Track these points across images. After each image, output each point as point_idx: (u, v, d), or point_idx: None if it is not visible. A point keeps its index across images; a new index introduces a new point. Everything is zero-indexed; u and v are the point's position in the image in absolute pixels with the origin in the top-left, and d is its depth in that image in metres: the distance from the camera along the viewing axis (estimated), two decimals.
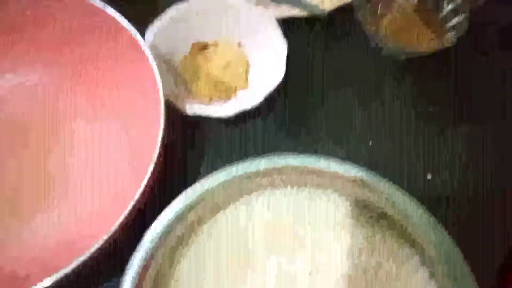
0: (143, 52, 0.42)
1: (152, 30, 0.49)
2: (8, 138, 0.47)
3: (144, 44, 0.42)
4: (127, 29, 0.42)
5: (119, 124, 0.47)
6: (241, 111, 0.46)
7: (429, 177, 0.46)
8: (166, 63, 0.50)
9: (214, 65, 0.51)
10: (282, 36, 0.49)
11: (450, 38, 0.46)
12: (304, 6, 0.52)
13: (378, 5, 0.50)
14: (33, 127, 0.48)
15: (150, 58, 0.42)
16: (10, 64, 0.49)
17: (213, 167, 0.40)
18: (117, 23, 0.43)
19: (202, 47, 0.52)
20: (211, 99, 0.50)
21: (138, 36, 0.42)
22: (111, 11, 0.43)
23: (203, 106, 0.47)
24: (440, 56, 0.47)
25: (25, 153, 0.46)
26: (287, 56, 0.48)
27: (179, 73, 0.50)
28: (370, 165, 0.38)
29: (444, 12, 0.49)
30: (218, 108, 0.47)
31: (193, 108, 0.46)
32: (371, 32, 0.48)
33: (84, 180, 0.45)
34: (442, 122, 0.48)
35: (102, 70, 0.47)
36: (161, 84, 0.41)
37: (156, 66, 0.41)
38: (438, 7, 0.50)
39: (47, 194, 0.44)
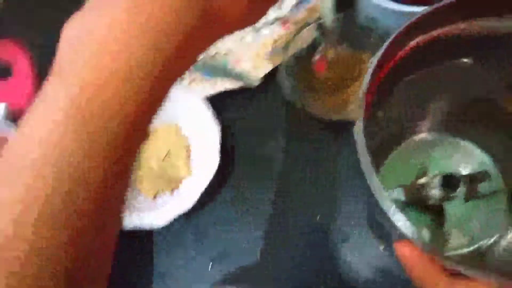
0: None
1: None
2: None
3: None
4: None
5: None
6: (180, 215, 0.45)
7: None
8: None
9: (154, 157, 0.50)
10: (214, 121, 0.47)
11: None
12: (236, 77, 0.50)
13: (311, 65, 0.48)
14: None
15: None
16: None
17: None
18: None
19: None
20: (156, 195, 0.49)
21: None
22: None
23: (147, 208, 0.46)
24: None
25: None
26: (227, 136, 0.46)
27: None
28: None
29: None
30: (156, 218, 0.45)
31: (131, 221, 0.45)
32: (298, 101, 0.46)
33: None
34: None
35: None
36: None
37: None
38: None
39: None
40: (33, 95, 0.47)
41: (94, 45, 0.19)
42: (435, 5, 0.29)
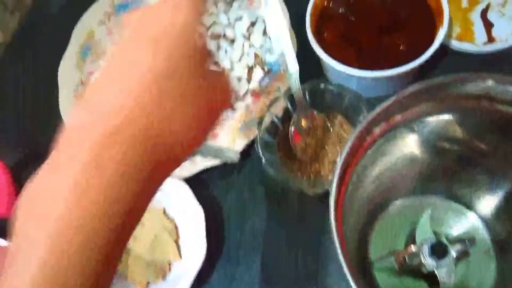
0: None
1: None
2: None
3: None
4: None
5: None
6: None
7: None
8: None
9: (142, 245, 0.49)
10: (197, 203, 0.47)
11: None
12: (215, 154, 0.50)
13: (287, 135, 0.48)
14: None
15: None
16: None
17: None
18: None
19: None
20: (147, 283, 0.48)
21: None
22: None
23: None
24: None
25: None
26: (216, 210, 0.46)
27: None
28: None
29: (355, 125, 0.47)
30: None
31: None
32: (278, 175, 0.45)
33: None
34: None
35: None
36: None
37: None
38: (350, 120, 0.48)
39: None
40: (10, 205, 0.47)
41: (51, 221, 0.20)
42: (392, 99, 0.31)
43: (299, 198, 0.48)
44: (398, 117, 0.31)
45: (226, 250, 0.48)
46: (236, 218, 0.50)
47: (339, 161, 0.28)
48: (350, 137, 0.29)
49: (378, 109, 0.31)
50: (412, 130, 0.33)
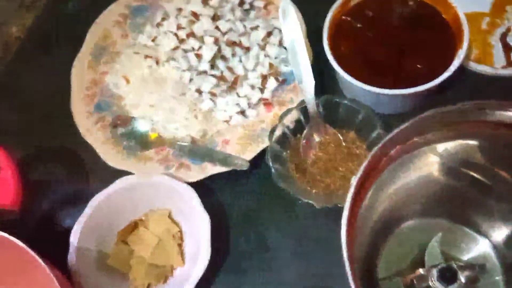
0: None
1: (76, 228, 0.47)
2: None
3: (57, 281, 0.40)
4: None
5: None
6: None
7: None
8: (100, 257, 0.48)
9: (145, 248, 0.48)
10: (203, 210, 0.47)
11: None
12: (225, 162, 0.50)
13: (298, 147, 0.48)
14: None
15: None
16: None
17: None
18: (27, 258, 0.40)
19: (132, 229, 0.49)
20: (148, 286, 0.47)
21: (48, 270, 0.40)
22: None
23: None
24: None
25: None
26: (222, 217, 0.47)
27: (112, 266, 0.47)
28: None
29: (369, 142, 0.46)
30: None
31: None
32: (286, 188, 0.45)
33: None
34: None
35: None
36: None
37: None
38: (363, 137, 0.47)
39: None
40: (18, 195, 0.47)
41: None
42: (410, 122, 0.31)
43: (307, 211, 0.48)
44: (415, 140, 0.31)
45: (230, 258, 0.48)
46: (242, 227, 0.49)
47: (354, 181, 0.28)
48: (367, 157, 0.29)
49: (395, 131, 0.31)
50: (430, 153, 0.32)
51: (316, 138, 0.48)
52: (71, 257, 0.46)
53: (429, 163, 0.34)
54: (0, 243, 0.42)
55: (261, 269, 0.47)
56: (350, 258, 0.27)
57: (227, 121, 0.53)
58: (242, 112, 0.53)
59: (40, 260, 0.40)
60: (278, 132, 0.47)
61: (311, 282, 0.45)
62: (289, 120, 0.48)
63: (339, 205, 0.42)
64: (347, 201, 0.28)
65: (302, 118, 0.48)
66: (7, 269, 0.44)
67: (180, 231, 0.49)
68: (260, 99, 0.54)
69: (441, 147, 0.32)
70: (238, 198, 0.51)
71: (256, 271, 0.47)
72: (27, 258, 0.41)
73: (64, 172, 0.56)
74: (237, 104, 0.53)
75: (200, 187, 0.49)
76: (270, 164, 0.45)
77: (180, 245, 0.48)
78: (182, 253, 0.48)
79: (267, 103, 0.53)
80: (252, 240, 0.49)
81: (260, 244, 0.48)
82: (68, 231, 0.47)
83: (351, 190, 0.28)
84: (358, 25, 0.50)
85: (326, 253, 0.46)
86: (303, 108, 0.48)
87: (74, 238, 0.46)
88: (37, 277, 0.42)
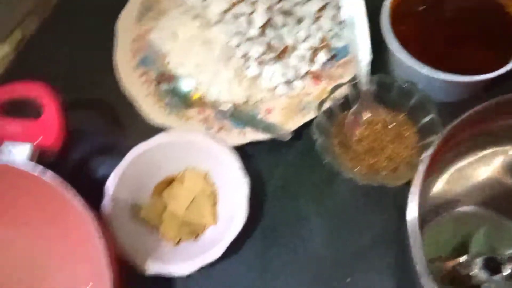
0: (90, 229, 0.40)
1: (113, 177, 0.47)
2: None
3: (93, 222, 0.41)
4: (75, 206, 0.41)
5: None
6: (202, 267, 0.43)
7: None
8: (133, 209, 0.48)
9: (179, 203, 0.49)
10: (243, 173, 0.46)
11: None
12: (267, 129, 0.50)
13: (344, 123, 0.47)
14: None
15: (97, 234, 0.40)
16: None
17: None
18: (65, 198, 0.41)
19: (167, 185, 0.49)
20: (179, 241, 0.47)
21: (85, 211, 0.41)
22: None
23: (169, 253, 0.46)
24: None
25: None
26: (258, 184, 0.46)
27: (144, 218, 0.47)
28: None
29: (420, 126, 0.46)
30: (178, 267, 0.44)
31: (154, 267, 0.44)
32: (331, 161, 0.45)
33: None
34: None
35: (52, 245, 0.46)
36: (107, 260, 0.40)
37: (101, 242, 0.40)
38: (413, 120, 0.47)
39: None
40: (61, 132, 0.47)
41: None
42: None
43: (347, 188, 0.47)
44: (483, 126, 0.30)
45: (262, 226, 0.48)
46: (277, 196, 0.49)
47: (425, 157, 0.27)
48: (434, 141, 0.28)
49: (466, 114, 0.30)
50: (498, 143, 0.32)
51: (365, 116, 0.47)
52: (106, 204, 0.46)
53: (494, 156, 0.33)
54: (36, 180, 0.42)
55: (291, 240, 0.47)
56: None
57: (271, 90, 0.53)
58: (288, 83, 0.53)
59: (78, 200, 0.41)
60: (326, 106, 0.46)
61: (342, 257, 0.45)
62: (339, 95, 0.47)
63: (387, 185, 0.41)
64: (418, 179, 0.27)
65: (352, 94, 0.47)
66: (41, 207, 0.45)
67: (215, 193, 0.49)
68: (308, 72, 0.53)
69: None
70: (276, 167, 0.50)
71: (287, 241, 0.47)
72: (64, 197, 0.41)
73: (102, 124, 0.56)
74: (284, 74, 0.52)
75: (239, 152, 0.48)
76: (315, 136, 0.45)
77: (214, 206, 0.48)
78: (215, 214, 0.48)
79: (315, 76, 0.53)
80: (286, 210, 0.48)
81: (294, 215, 0.48)
82: (101, 181, 0.47)
83: (422, 168, 0.27)
84: (421, 7, 0.49)
85: (360, 233, 0.46)
86: (354, 84, 0.47)
87: (109, 186, 0.46)
88: (70, 218, 0.42)
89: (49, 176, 0.41)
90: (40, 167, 0.42)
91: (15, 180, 0.43)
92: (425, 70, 0.45)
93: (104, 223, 0.44)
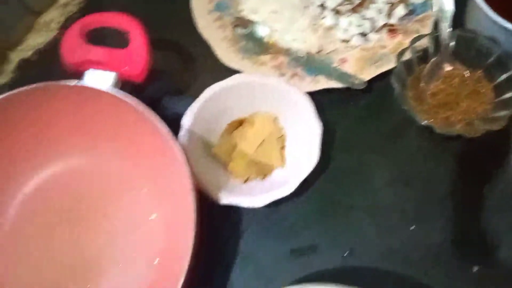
0: (175, 153, 0.42)
1: (189, 113, 0.49)
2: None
3: (176, 144, 0.43)
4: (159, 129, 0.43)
5: (159, 215, 0.47)
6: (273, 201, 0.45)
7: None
8: (204, 145, 0.50)
9: (249, 144, 0.50)
10: (317, 117, 0.48)
11: (504, 117, 0.42)
12: (340, 78, 0.50)
13: (420, 76, 0.48)
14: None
15: (182, 158, 0.42)
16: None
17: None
18: (151, 123, 0.43)
19: (238, 125, 0.51)
20: (247, 179, 0.49)
21: (169, 137, 0.43)
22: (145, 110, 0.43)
23: (238, 190, 0.48)
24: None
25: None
26: (326, 133, 0.47)
27: (216, 154, 0.49)
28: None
29: (497, 82, 0.46)
30: (249, 200, 0.46)
31: (227, 198, 0.46)
32: (409, 108, 0.45)
33: (117, 267, 0.46)
34: None
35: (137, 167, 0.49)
36: (191, 182, 0.41)
37: (187, 165, 0.42)
38: (490, 77, 0.47)
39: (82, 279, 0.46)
40: (147, 64, 0.48)
41: None
42: None
43: (418, 139, 0.48)
44: None
45: (327, 174, 0.49)
46: (344, 146, 0.50)
47: None
48: None
49: None
50: None
51: (442, 70, 0.47)
52: (183, 137, 0.48)
53: None
54: (125, 105, 0.44)
55: (356, 188, 0.48)
56: None
57: (346, 41, 0.53)
58: (364, 35, 0.53)
59: (165, 127, 0.42)
60: (406, 56, 0.47)
61: (407, 206, 0.46)
62: (419, 47, 0.47)
63: (466, 135, 0.42)
64: None
65: (431, 47, 0.47)
66: (127, 130, 0.47)
67: (284, 137, 0.51)
68: (385, 25, 0.53)
69: None
70: (345, 118, 0.51)
71: (352, 189, 0.48)
72: (152, 122, 0.43)
73: (177, 64, 0.58)
74: (360, 26, 0.53)
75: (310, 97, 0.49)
76: (394, 84, 0.45)
77: (282, 149, 0.50)
78: (283, 157, 0.50)
79: (392, 30, 0.53)
80: (352, 160, 0.49)
81: (359, 165, 0.49)
82: (174, 119, 0.48)
83: None
84: None
85: (427, 192, 0.47)
86: (435, 37, 0.47)
87: (186, 121, 0.48)
88: (157, 142, 0.44)
89: (138, 103, 0.43)
90: (128, 95, 0.44)
91: (104, 105, 0.46)
92: (510, 26, 0.44)
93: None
